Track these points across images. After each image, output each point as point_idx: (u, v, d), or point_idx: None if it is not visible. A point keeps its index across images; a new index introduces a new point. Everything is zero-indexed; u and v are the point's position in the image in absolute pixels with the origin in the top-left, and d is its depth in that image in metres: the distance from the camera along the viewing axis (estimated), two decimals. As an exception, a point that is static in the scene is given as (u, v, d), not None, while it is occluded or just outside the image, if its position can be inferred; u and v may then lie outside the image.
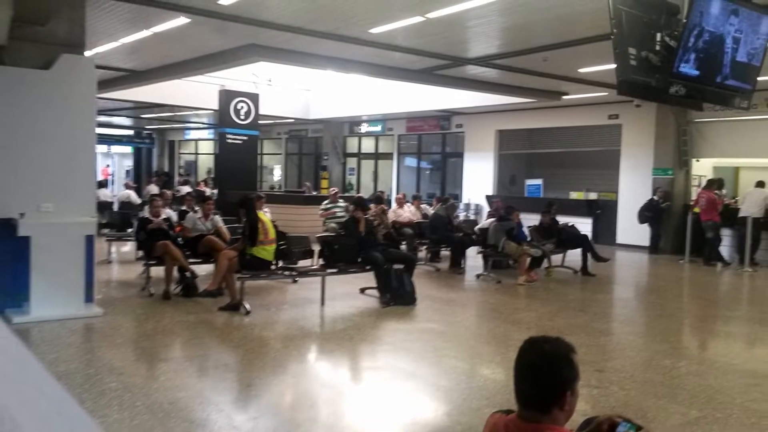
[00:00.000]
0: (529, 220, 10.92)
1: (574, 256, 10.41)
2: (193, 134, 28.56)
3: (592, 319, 7.09)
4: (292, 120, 21.03)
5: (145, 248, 7.75)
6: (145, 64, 12.96)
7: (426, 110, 17.37)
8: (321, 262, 7.68)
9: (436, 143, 19.97)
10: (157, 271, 7.60)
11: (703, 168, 14.05)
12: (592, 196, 15.33)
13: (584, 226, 12.96)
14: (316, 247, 8.01)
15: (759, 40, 6.15)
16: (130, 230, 10.06)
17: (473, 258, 10.55)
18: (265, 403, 4.30)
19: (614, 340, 6.35)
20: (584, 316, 7.26)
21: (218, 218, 8.38)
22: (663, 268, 11.97)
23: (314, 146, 23.26)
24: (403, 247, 10.25)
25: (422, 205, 12.55)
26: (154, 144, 29.77)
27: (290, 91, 18.27)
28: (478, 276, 9.61)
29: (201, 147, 28.75)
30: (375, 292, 7.58)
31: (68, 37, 6.39)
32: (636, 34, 5.44)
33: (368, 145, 21.80)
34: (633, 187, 14.35)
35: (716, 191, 12.12)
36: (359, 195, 13.59)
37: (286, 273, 7.68)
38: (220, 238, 7.96)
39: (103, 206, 12.07)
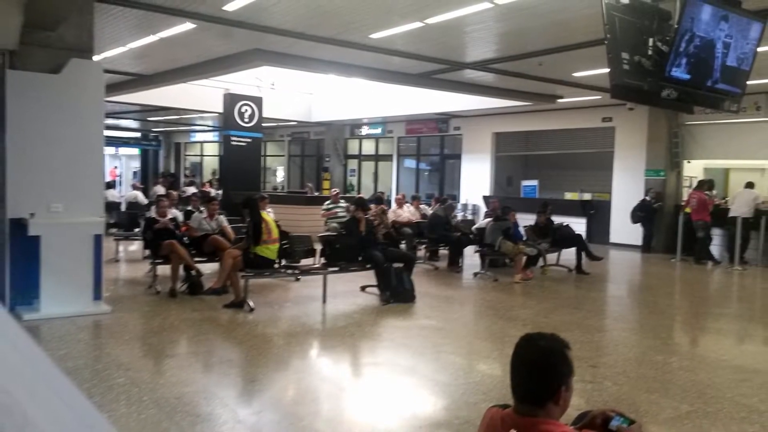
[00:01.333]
0: (525, 220, 10.95)
1: (569, 255, 10.50)
2: (198, 136, 28.65)
3: (586, 316, 7.14)
4: (295, 123, 21.10)
5: (151, 247, 7.87)
6: (151, 69, 13.04)
7: (425, 113, 17.45)
8: (323, 260, 7.78)
9: (434, 145, 20.08)
10: (164, 270, 7.67)
11: (694, 169, 14.14)
12: (587, 196, 15.40)
13: (578, 225, 13.07)
14: (318, 247, 8.10)
15: (748, 45, 6.20)
16: (137, 230, 10.16)
17: (471, 257, 10.60)
18: (269, 398, 4.33)
19: (608, 337, 6.42)
20: (578, 313, 7.30)
21: (223, 218, 8.50)
22: (655, 266, 12.04)
23: (316, 148, 23.34)
24: (403, 246, 10.30)
25: (421, 206, 12.61)
26: (160, 146, 29.81)
27: (293, 94, 18.36)
28: (475, 274, 9.69)
29: (206, 149, 28.81)
30: (375, 290, 7.67)
31: (77, 42, 6.45)
32: (629, 39, 5.48)
33: (369, 147, 21.90)
34: (626, 188, 14.46)
35: (707, 192, 12.19)
36: (360, 195, 13.65)
37: (289, 271, 7.76)
38: (225, 237, 8.08)
39: (111, 206, 12.12)
